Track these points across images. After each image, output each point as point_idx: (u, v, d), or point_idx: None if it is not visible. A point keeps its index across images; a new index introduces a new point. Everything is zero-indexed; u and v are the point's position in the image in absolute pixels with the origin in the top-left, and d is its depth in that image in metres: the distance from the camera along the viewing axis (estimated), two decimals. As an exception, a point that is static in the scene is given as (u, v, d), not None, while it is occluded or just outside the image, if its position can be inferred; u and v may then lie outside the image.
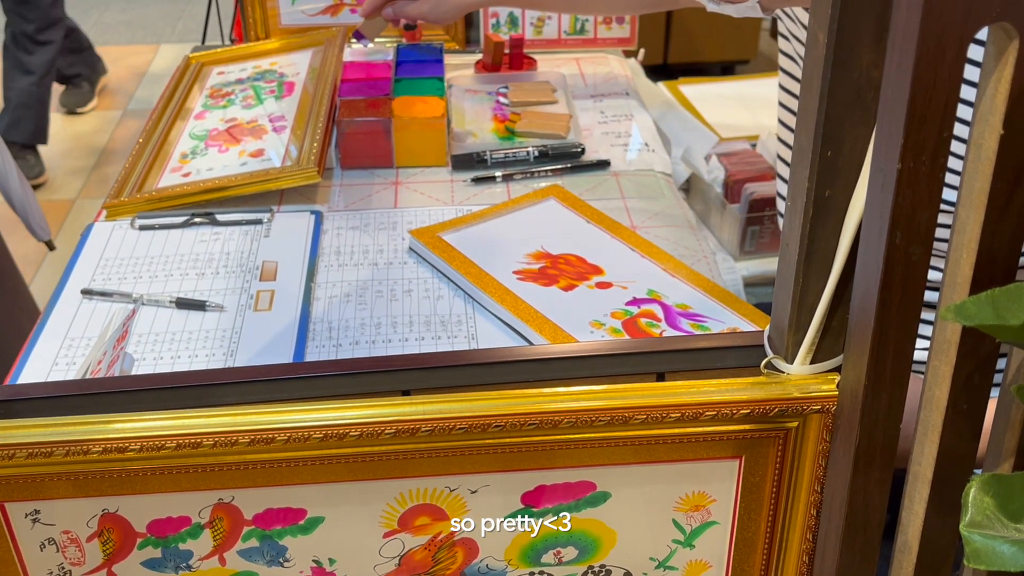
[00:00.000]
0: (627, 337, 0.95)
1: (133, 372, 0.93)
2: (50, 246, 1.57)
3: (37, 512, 0.58)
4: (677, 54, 3.27)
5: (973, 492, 0.45)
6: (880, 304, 0.47)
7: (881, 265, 0.46)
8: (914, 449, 0.51)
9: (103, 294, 1.04)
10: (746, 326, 0.97)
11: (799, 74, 1.01)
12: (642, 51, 1.65)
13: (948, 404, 0.49)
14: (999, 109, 0.42)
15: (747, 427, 0.57)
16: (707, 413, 0.57)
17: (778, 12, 1.03)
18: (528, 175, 1.26)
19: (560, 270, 1.05)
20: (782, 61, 1.08)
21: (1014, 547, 0.44)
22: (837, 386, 0.55)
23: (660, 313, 0.99)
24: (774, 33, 3.38)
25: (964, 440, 0.50)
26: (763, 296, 1.52)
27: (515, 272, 1.04)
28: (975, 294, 0.43)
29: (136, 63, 3.86)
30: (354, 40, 1.45)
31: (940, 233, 0.46)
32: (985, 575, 0.53)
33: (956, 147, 0.73)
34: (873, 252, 0.46)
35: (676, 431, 0.57)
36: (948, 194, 0.76)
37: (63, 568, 0.60)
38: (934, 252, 0.47)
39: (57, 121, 3.42)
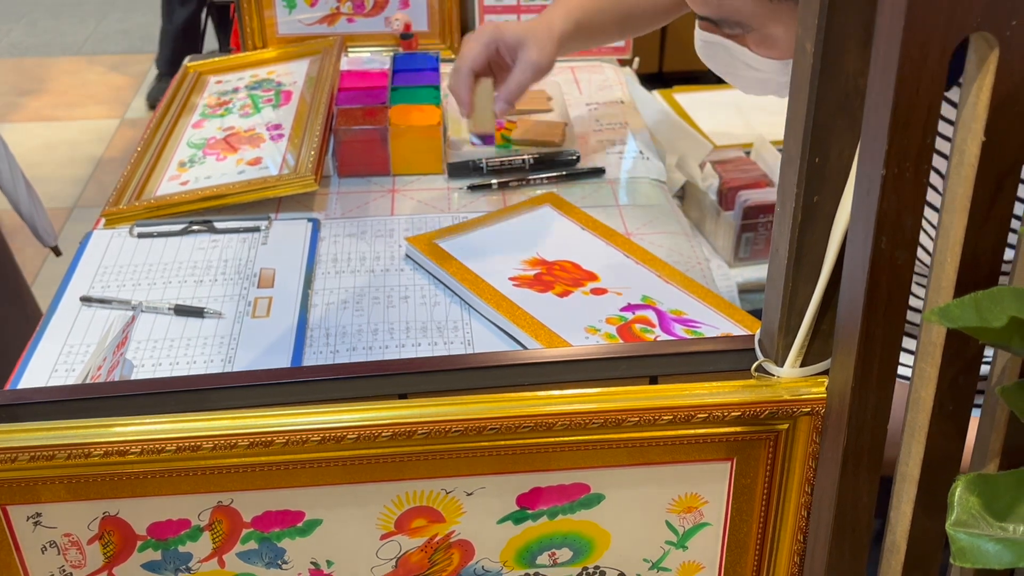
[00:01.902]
0: (621, 343, 0.96)
1: (132, 378, 0.94)
2: (56, 251, 1.58)
3: (39, 515, 0.59)
4: (672, 62, 3.28)
5: (959, 492, 0.46)
6: (866, 307, 0.48)
7: (867, 269, 0.47)
8: (901, 450, 0.52)
9: (102, 301, 1.05)
10: (740, 332, 0.98)
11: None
12: (637, 59, 1.66)
13: (934, 405, 0.50)
14: (981, 116, 0.43)
15: (738, 429, 0.58)
16: (699, 415, 0.58)
17: None
18: (524, 183, 1.27)
19: (555, 276, 1.06)
20: None
21: (999, 545, 0.45)
22: (826, 389, 0.56)
23: (655, 319, 1.00)
24: (769, 41, 3.39)
25: (950, 440, 0.51)
26: (758, 303, 1.53)
27: (511, 278, 1.05)
28: (959, 297, 0.43)
29: (133, 72, 3.87)
30: (473, 143, 1.25)
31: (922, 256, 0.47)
32: (972, 573, 0.54)
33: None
34: (859, 256, 0.47)
35: (668, 433, 0.58)
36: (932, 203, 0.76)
37: (64, 571, 0.61)
38: (917, 272, 0.48)
39: (53, 129, 3.43)
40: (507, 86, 1.15)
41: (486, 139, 1.21)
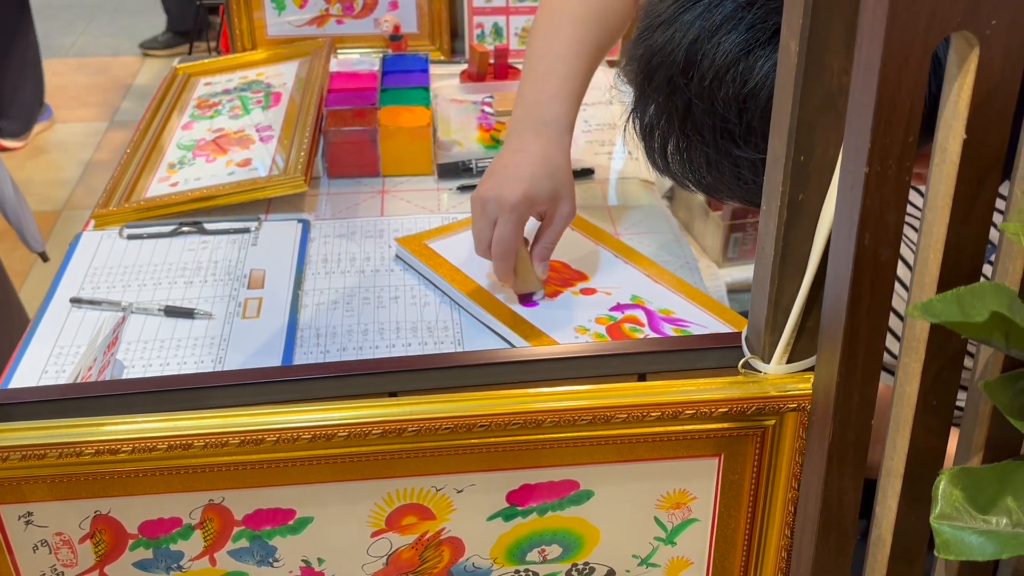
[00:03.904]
0: (611, 341, 0.96)
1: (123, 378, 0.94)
2: (43, 257, 1.58)
3: (30, 514, 0.59)
4: (661, 64, 3.28)
5: (943, 485, 0.47)
6: (851, 303, 0.48)
7: (851, 265, 0.47)
8: (886, 445, 0.53)
9: (92, 303, 1.05)
10: (729, 332, 0.98)
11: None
12: (625, 61, 1.67)
13: (918, 400, 0.51)
14: (962, 114, 0.44)
15: (726, 425, 0.59)
16: (687, 412, 0.58)
17: None
18: (513, 183, 1.28)
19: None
20: None
21: (982, 537, 0.45)
22: (812, 384, 0.56)
23: (644, 318, 1.00)
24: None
25: (934, 435, 0.52)
26: (747, 303, 1.53)
27: (501, 279, 1.05)
28: (942, 293, 0.44)
29: (122, 74, 3.86)
30: (524, 303, 1.03)
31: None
32: (957, 566, 0.55)
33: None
34: (843, 253, 0.48)
35: (657, 429, 0.59)
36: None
37: (55, 570, 0.61)
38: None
39: (43, 133, 3.42)
40: (543, 245, 1.00)
41: (532, 297, 1.03)
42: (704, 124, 0.71)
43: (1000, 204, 0.47)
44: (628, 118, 0.80)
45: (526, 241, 1.00)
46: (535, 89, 1.02)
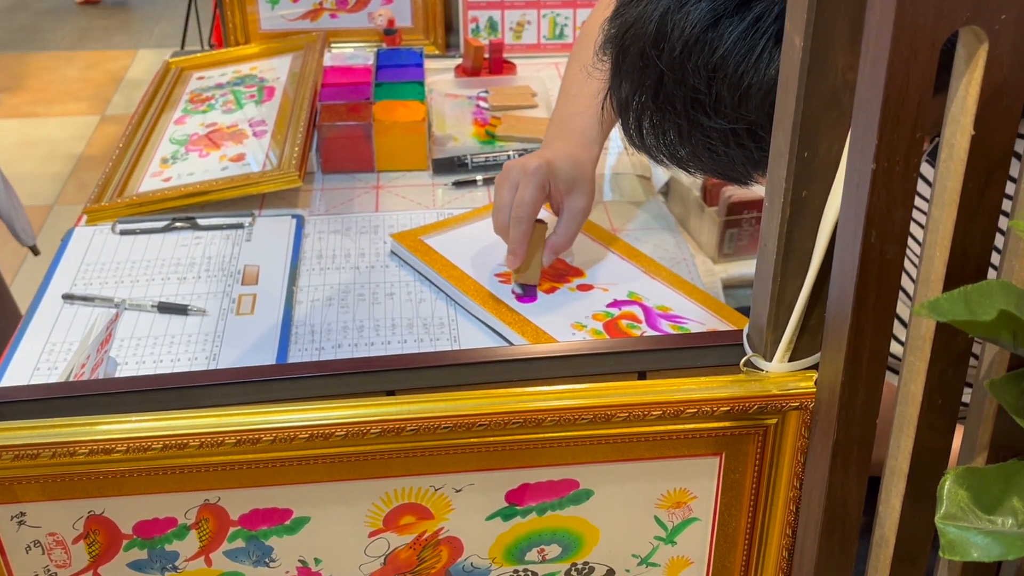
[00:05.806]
0: (608, 338, 0.96)
1: (116, 376, 0.93)
2: (35, 251, 1.57)
3: (23, 515, 0.58)
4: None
5: (948, 485, 0.46)
6: (856, 301, 0.48)
7: (857, 263, 0.47)
8: (890, 444, 0.52)
9: (85, 299, 1.04)
10: (725, 328, 0.98)
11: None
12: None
13: (923, 399, 0.50)
14: (970, 110, 0.44)
15: (727, 424, 0.58)
16: (688, 411, 0.57)
17: None
18: (509, 179, 1.27)
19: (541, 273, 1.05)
20: None
21: (987, 538, 0.45)
22: (815, 383, 0.56)
23: (640, 315, 1.00)
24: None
25: (939, 434, 0.51)
26: (742, 299, 1.53)
27: (496, 275, 1.05)
28: (948, 291, 0.44)
29: (114, 68, 3.84)
30: (515, 292, 1.03)
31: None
32: (960, 566, 0.54)
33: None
34: (849, 250, 0.47)
35: (657, 428, 0.58)
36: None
37: (49, 570, 0.60)
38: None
39: (32, 126, 3.40)
40: (557, 238, 1.02)
41: (528, 290, 1.02)
42: (675, 96, 0.72)
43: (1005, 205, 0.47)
44: (605, 96, 0.80)
45: (544, 226, 1.03)
46: (566, 107, 1.11)
